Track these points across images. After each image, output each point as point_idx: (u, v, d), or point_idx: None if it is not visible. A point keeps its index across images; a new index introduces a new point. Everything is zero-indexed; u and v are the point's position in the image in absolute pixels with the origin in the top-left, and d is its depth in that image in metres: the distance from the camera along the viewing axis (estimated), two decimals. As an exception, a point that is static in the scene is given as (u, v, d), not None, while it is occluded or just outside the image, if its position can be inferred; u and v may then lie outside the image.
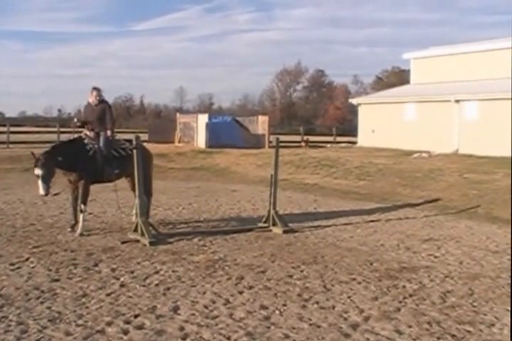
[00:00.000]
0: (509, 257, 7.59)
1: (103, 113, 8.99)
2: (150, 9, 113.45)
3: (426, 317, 5.21)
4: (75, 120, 9.27)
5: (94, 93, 9.04)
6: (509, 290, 6.08)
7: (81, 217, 8.60)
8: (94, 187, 9.00)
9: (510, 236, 8.91)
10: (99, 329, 4.76)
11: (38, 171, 8.15)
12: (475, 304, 5.63)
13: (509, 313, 5.30)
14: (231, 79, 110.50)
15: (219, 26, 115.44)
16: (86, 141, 8.82)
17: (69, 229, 8.65)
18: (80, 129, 9.35)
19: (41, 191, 8.18)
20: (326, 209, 11.54)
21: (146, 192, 9.06)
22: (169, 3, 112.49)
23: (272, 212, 9.27)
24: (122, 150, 8.99)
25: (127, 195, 10.02)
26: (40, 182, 8.16)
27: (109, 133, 8.94)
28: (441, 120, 22.65)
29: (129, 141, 9.45)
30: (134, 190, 9.14)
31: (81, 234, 8.38)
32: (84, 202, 8.67)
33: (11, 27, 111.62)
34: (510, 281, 6.41)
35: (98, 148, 8.76)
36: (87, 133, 8.92)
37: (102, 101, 9.11)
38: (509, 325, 5.00)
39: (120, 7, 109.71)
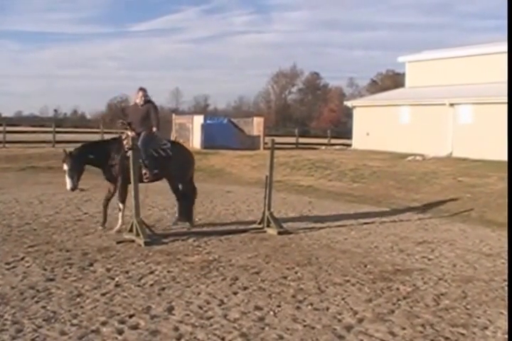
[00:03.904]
0: (503, 260, 7.63)
1: (147, 113, 9.00)
2: (147, 10, 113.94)
3: (419, 320, 5.24)
4: (120, 121, 9.40)
5: (140, 93, 9.06)
6: (503, 293, 6.12)
7: (120, 214, 8.81)
8: (90, 188, 9.00)
9: (503, 239, 8.96)
10: (94, 328, 4.77)
11: (64, 166, 8.47)
12: (468, 307, 5.66)
13: (503, 316, 5.34)
14: (227, 81, 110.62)
15: (216, 28, 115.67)
16: (125, 142, 8.81)
17: (100, 227, 8.88)
18: (125, 130, 9.31)
19: (67, 185, 8.51)
20: (321, 211, 11.57)
21: (189, 193, 9.41)
22: (167, 4, 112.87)
23: (267, 213, 9.29)
24: (162, 151, 9.02)
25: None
26: (66, 177, 8.49)
27: (154, 129, 8.99)
28: (435, 123, 22.72)
29: (170, 141, 9.76)
30: (174, 191, 9.48)
31: (118, 231, 8.57)
32: (123, 201, 8.83)
33: (8, 27, 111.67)
34: (504, 284, 6.45)
35: (136, 147, 8.70)
36: (129, 133, 8.89)
37: (148, 101, 9.13)
38: (502, 328, 5.03)
39: (117, 8, 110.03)
